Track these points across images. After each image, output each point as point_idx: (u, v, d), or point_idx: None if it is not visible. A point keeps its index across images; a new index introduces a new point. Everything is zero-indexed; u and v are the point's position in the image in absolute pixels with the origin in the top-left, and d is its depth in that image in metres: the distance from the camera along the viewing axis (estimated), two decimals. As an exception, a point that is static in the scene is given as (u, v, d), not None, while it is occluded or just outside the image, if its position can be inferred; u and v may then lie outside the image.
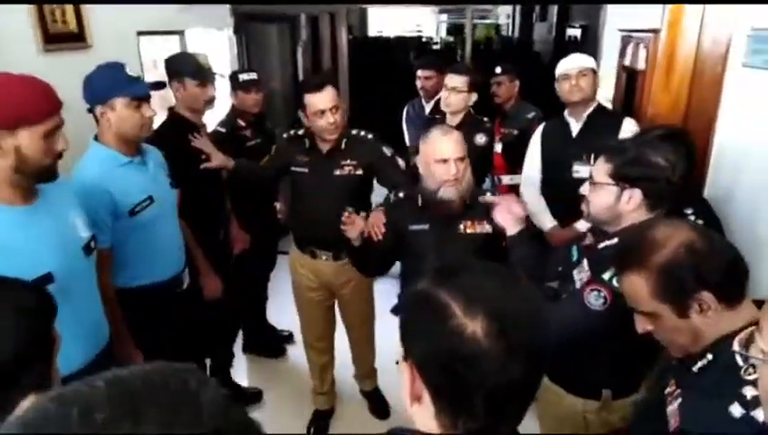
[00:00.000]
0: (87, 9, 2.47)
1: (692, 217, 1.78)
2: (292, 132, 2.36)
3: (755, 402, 0.80)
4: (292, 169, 2.31)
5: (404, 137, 3.69)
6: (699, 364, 0.98)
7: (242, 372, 3.09)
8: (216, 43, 3.58)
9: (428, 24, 11.48)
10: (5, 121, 1.26)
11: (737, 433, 0.82)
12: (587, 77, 2.40)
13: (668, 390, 1.04)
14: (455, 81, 2.67)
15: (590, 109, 2.44)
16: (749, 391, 0.82)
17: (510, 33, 10.12)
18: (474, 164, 1.91)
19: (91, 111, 1.74)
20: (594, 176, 1.44)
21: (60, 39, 2.35)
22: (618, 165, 1.40)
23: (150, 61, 3.11)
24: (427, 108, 3.50)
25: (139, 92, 1.74)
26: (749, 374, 0.82)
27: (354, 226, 1.87)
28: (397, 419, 2.68)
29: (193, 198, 2.18)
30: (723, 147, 2.22)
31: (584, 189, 1.47)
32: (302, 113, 2.22)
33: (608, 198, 1.41)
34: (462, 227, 1.84)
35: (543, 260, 1.70)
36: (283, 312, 3.27)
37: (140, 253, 1.82)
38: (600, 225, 1.48)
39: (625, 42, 3.29)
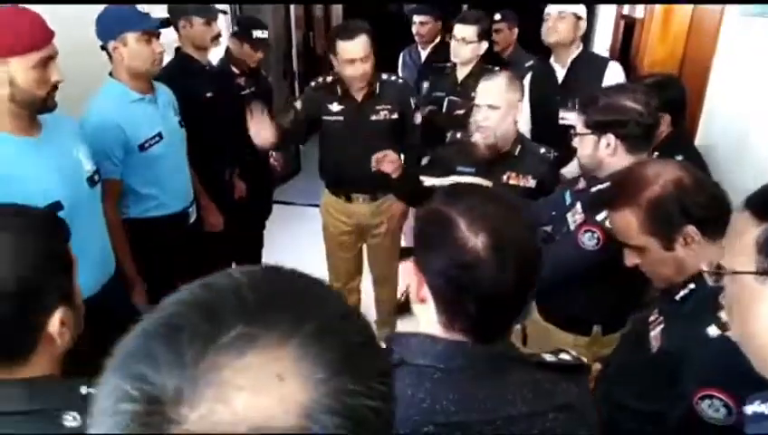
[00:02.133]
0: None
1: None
2: (320, 80, 2.31)
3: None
4: (325, 118, 2.29)
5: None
6: (682, 293, 1.07)
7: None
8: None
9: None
10: None
11: (713, 350, 0.91)
12: (566, 20, 2.35)
13: (651, 318, 1.13)
14: (464, 31, 2.59)
15: (574, 54, 2.43)
16: (725, 315, 0.90)
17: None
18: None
19: (104, 48, 1.78)
20: (576, 127, 1.52)
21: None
22: (590, 113, 1.47)
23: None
24: (423, 54, 3.46)
25: (150, 26, 1.79)
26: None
27: (390, 161, 1.90)
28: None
29: (198, 137, 2.24)
30: (716, 95, 2.25)
31: (574, 142, 1.53)
32: (333, 58, 2.19)
33: (588, 146, 1.48)
34: (505, 177, 1.86)
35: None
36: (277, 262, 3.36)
37: (150, 187, 1.91)
38: (589, 172, 1.55)
39: (625, -11, 3.26)
